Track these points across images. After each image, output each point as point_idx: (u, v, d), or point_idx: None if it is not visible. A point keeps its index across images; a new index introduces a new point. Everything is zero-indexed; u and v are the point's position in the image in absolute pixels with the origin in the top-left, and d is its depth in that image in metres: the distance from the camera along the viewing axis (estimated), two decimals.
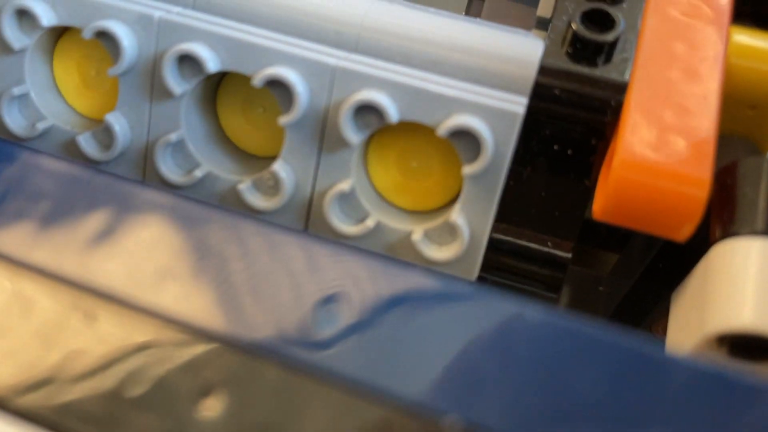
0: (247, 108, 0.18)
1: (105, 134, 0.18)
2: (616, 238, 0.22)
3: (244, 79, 0.17)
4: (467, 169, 0.16)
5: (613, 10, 0.16)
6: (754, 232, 0.14)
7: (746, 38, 0.17)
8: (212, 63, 0.17)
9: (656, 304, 0.18)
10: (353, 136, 0.16)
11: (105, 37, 0.17)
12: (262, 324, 0.13)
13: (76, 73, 0.19)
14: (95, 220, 0.15)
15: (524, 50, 0.16)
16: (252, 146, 0.19)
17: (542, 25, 0.18)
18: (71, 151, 0.18)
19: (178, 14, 0.17)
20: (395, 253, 0.17)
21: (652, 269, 0.18)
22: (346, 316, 0.14)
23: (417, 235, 0.17)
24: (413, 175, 0.17)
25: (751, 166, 0.15)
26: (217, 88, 0.18)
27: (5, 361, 0.13)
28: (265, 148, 0.18)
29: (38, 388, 0.13)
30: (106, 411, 0.12)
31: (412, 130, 0.17)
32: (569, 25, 0.16)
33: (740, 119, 0.17)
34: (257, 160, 0.19)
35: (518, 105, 0.16)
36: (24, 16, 0.18)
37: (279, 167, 0.17)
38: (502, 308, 0.14)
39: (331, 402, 0.12)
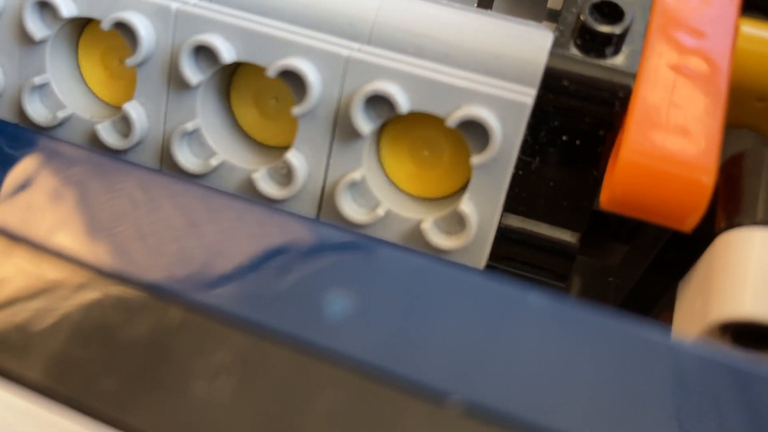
0: (260, 99, 0.19)
1: (123, 123, 0.18)
2: (627, 229, 0.22)
3: (256, 71, 0.17)
4: (476, 159, 0.16)
5: (621, 2, 0.16)
6: (756, 223, 0.14)
7: (755, 30, 0.17)
8: (228, 54, 0.17)
9: (664, 294, 0.19)
10: (365, 126, 0.17)
11: (123, 28, 0.18)
12: (275, 307, 0.14)
13: (101, 64, 0.19)
14: (109, 203, 0.16)
15: (534, 42, 0.16)
16: (265, 137, 0.19)
17: (553, 17, 0.18)
18: (91, 139, 0.19)
19: (195, 5, 0.17)
20: (405, 242, 0.17)
21: (661, 260, 0.19)
22: (353, 300, 0.14)
23: (426, 224, 0.17)
24: (424, 164, 0.18)
25: (757, 157, 0.15)
26: (231, 80, 0.19)
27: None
28: (278, 139, 0.19)
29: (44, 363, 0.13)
30: (124, 389, 0.13)
31: (422, 120, 0.17)
32: (578, 17, 0.16)
33: (748, 111, 0.17)
34: (272, 149, 0.19)
35: (527, 96, 0.16)
36: (45, 7, 0.18)
37: (292, 156, 0.17)
38: (508, 293, 0.14)
39: (338, 383, 0.13)
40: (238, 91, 0.19)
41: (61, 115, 0.19)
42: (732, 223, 0.15)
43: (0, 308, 0.14)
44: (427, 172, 0.18)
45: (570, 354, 0.13)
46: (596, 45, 0.16)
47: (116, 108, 0.19)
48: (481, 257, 0.17)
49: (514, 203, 0.17)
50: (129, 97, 0.18)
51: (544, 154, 0.16)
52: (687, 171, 0.14)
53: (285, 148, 0.18)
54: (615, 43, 0.16)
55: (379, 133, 0.17)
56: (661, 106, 0.15)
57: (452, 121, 0.16)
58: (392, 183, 0.18)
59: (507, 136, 0.16)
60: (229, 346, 0.13)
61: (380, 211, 0.17)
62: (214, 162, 0.18)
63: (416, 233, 0.17)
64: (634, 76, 0.15)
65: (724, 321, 0.14)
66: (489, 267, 0.17)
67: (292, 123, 0.18)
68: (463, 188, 0.17)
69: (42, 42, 0.18)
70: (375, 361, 0.13)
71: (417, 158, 0.18)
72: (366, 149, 0.17)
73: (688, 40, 0.16)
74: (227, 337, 0.13)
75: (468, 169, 0.17)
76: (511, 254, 0.17)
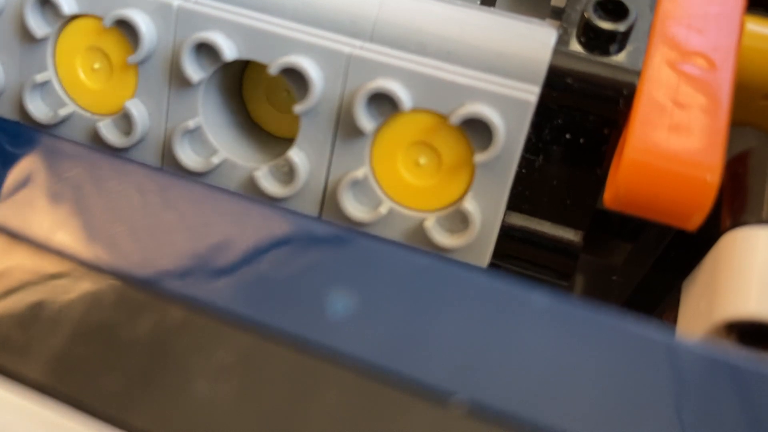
0: (271, 92, 0.19)
1: (124, 121, 0.18)
2: (631, 227, 0.22)
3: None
4: (479, 157, 0.16)
5: None
6: (761, 221, 0.14)
7: (760, 27, 0.17)
8: (229, 51, 0.17)
9: (668, 293, 0.19)
10: (367, 123, 0.17)
11: (124, 25, 0.17)
12: (277, 305, 0.14)
13: (79, 66, 0.19)
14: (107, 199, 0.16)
15: (537, 39, 0.16)
16: (278, 128, 0.19)
17: (556, 14, 0.18)
18: (92, 137, 0.19)
19: (197, 3, 0.17)
20: (408, 240, 0.17)
21: (665, 259, 0.18)
22: (355, 298, 0.14)
23: (429, 222, 0.17)
24: (419, 174, 0.17)
25: (762, 155, 0.15)
26: (243, 74, 0.19)
27: None
28: (291, 130, 0.19)
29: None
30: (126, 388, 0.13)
31: (424, 119, 0.17)
32: (582, 14, 0.16)
33: (753, 109, 0.17)
34: (275, 147, 0.19)
35: (530, 94, 0.16)
36: (46, 4, 0.18)
37: (294, 154, 0.17)
38: (511, 292, 0.14)
39: (340, 383, 0.13)
40: (249, 85, 0.19)
41: (62, 112, 0.19)
42: (737, 222, 0.15)
43: (0, 306, 0.14)
44: (423, 183, 0.17)
45: (574, 354, 0.13)
46: (600, 42, 0.16)
47: (96, 112, 0.19)
48: (484, 256, 0.17)
49: (517, 201, 0.17)
50: (107, 102, 0.18)
51: (547, 153, 0.16)
52: (692, 169, 0.14)
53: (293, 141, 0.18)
54: (619, 40, 0.16)
55: (372, 143, 0.17)
56: (665, 104, 0.15)
57: (455, 118, 0.16)
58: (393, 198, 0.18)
59: (510, 134, 0.16)
60: (231, 345, 0.13)
61: (383, 210, 0.17)
62: (215, 160, 0.18)
63: (419, 231, 0.17)
64: (638, 73, 0.15)
65: (729, 320, 0.14)
66: (492, 265, 0.17)
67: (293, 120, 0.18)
68: (460, 198, 0.17)
69: (43, 39, 0.18)
70: (377, 361, 0.13)
71: (411, 169, 0.17)
72: (368, 147, 0.17)
73: (693, 38, 0.16)
74: (229, 336, 0.13)
75: (465, 180, 0.17)
76: (515, 253, 0.17)
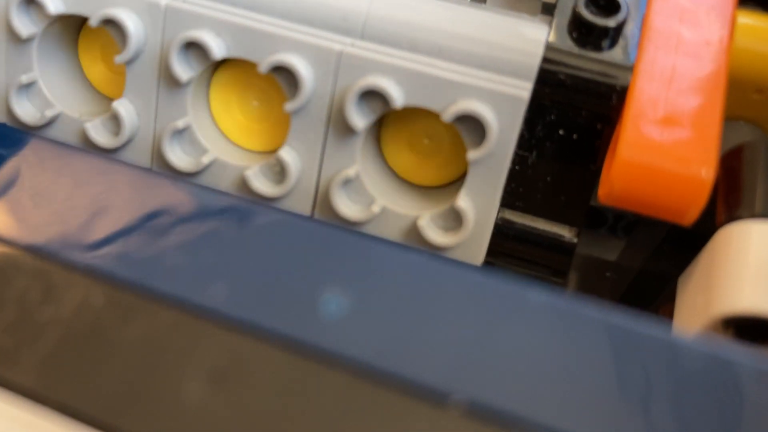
0: (243, 103, 0.18)
1: (113, 121, 0.18)
2: (625, 223, 0.22)
3: (237, 73, 0.17)
4: (472, 154, 0.16)
5: None
6: (755, 216, 0.14)
7: (752, 22, 0.17)
8: (218, 50, 0.17)
9: (663, 288, 0.18)
10: (359, 121, 0.16)
11: (112, 24, 0.17)
12: (269, 306, 0.14)
13: (101, 61, 0.19)
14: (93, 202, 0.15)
15: (529, 35, 0.16)
16: (252, 142, 0.18)
17: (548, 10, 0.18)
18: (81, 138, 0.19)
19: (185, 1, 0.17)
20: (401, 239, 0.17)
21: (659, 254, 0.18)
22: (349, 298, 0.14)
23: (423, 220, 0.17)
24: (425, 152, 0.17)
25: (756, 150, 0.15)
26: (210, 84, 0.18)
27: None
28: (263, 143, 0.18)
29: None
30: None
31: (418, 116, 0.17)
32: (574, 10, 0.16)
33: (746, 103, 0.17)
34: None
35: (523, 90, 0.16)
36: (32, 4, 0.18)
37: (285, 153, 0.17)
38: (506, 290, 0.14)
39: (334, 384, 0.13)
40: (220, 96, 0.18)
41: (48, 113, 0.18)
42: (732, 216, 0.15)
43: None
44: (428, 160, 0.17)
45: (570, 351, 0.13)
46: (592, 38, 0.16)
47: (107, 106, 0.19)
48: (478, 253, 0.17)
49: (511, 198, 0.17)
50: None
51: (540, 149, 0.16)
52: (686, 165, 0.14)
53: (272, 152, 0.17)
54: (611, 35, 0.16)
55: (379, 126, 0.17)
56: (658, 100, 0.15)
57: (448, 115, 0.16)
58: (388, 179, 0.18)
59: (503, 130, 0.16)
60: (223, 347, 0.13)
61: (375, 208, 0.17)
62: (205, 160, 0.18)
63: (413, 230, 0.17)
64: (631, 69, 0.15)
65: (725, 315, 0.14)
66: (486, 263, 0.17)
67: (277, 126, 0.17)
68: (462, 176, 0.17)
69: (29, 40, 0.18)
70: (372, 362, 0.13)
71: (417, 147, 0.17)
72: (360, 145, 0.17)
73: (685, 32, 0.16)
74: (220, 338, 0.13)
75: (464, 161, 0.17)
76: (509, 250, 0.17)
